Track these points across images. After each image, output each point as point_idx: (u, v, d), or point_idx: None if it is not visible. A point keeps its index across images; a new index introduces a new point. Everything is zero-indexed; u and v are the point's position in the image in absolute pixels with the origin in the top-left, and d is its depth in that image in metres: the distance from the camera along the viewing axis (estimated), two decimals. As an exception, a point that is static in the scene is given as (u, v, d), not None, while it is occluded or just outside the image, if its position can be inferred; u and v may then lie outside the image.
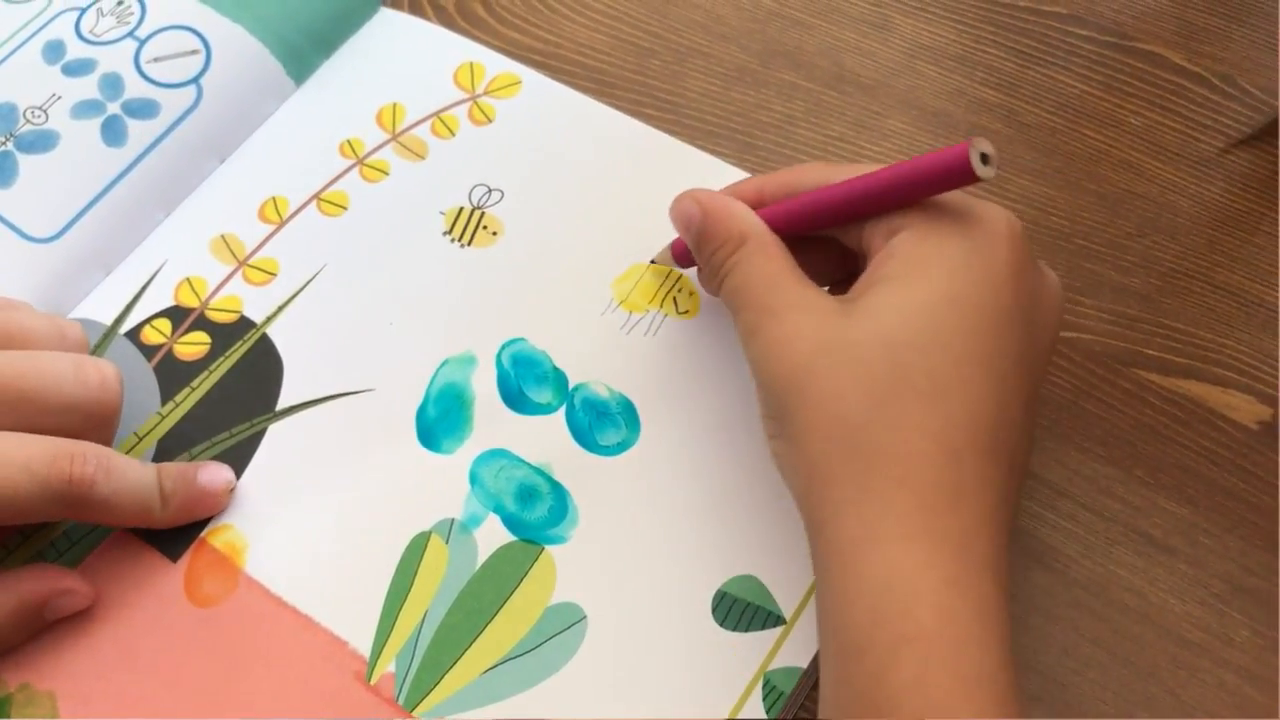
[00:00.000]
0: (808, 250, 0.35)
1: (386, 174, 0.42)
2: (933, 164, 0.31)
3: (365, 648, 0.34)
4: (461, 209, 0.42)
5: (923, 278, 0.31)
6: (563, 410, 0.38)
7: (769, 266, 0.33)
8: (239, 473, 0.37)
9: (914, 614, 0.28)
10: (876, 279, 0.32)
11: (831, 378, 0.30)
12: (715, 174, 0.42)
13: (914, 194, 0.32)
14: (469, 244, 0.41)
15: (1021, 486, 0.32)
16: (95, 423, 0.34)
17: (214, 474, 0.36)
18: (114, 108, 0.42)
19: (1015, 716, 0.28)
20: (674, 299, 0.40)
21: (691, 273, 0.40)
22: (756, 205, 0.35)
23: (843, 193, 0.33)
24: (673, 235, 0.41)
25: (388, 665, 0.33)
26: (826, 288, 0.33)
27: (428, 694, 0.33)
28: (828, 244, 0.35)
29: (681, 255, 0.39)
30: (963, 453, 0.29)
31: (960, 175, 0.31)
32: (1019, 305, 0.31)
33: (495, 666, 0.34)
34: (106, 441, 0.35)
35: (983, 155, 0.30)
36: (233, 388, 0.38)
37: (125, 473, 0.34)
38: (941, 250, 0.31)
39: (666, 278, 0.40)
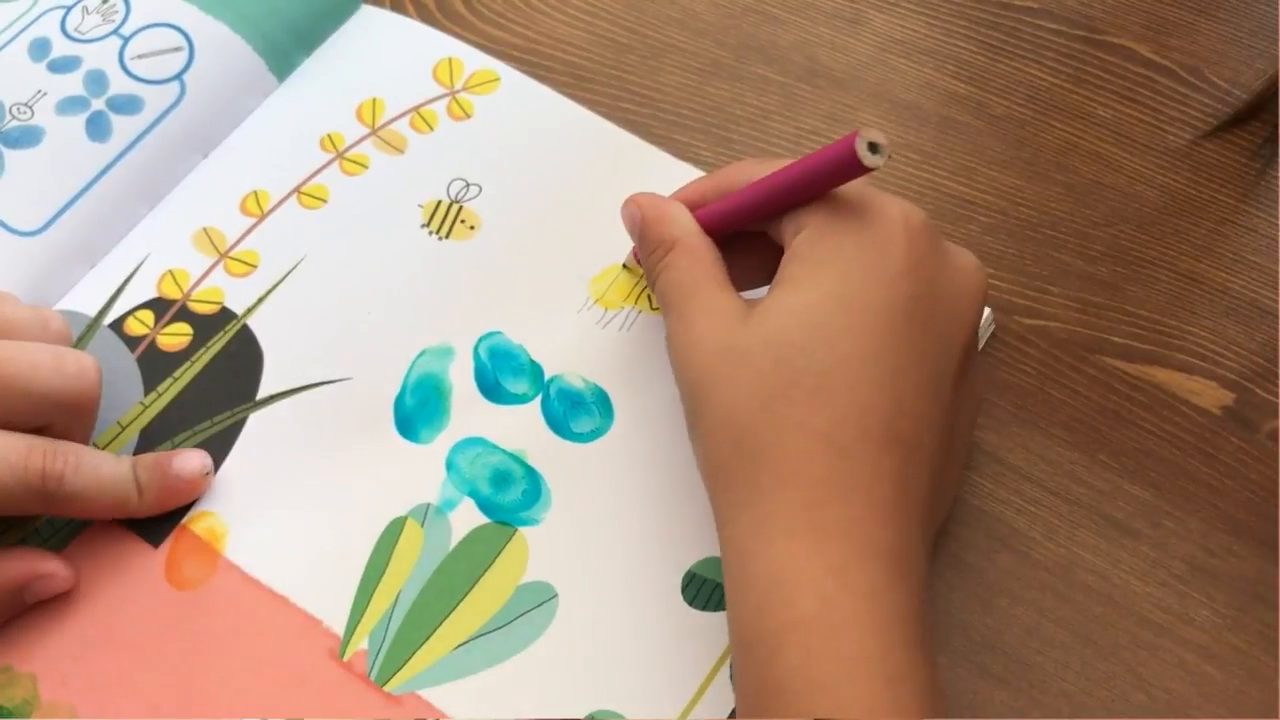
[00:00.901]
0: (756, 248, 0.36)
1: (366, 167, 0.43)
2: (822, 158, 0.32)
3: (339, 626, 0.34)
4: (440, 202, 0.42)
5: (814, 279, 0.32)
6: (538, 400, 0.39)
7: (690, 271, 0.34)
8: (220, 460, 0.37)
9: (797, 603, 0.29)
10: (778, 281, 0.33)
11: (726, 381, 0.31)
12: (687, 179, 0.42)
13: (811, 189, 0.33)
14: (446, 237, 0.42)
15: (944, 470, 0.33)
16: (73, 413, 0.35)
17: (188, 461, 0.36)
18: (98, 104, 0.43)
19: (915, 693, 0.28)
20: (648, 296, 0.40)
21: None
22: (700, 206, 0.36)
23: (749, 194, 0.34)
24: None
25: (360, 642, 0.34)
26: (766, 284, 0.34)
27: (399, 669, 0.34)
28: (769, 240, 0.36)
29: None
30: (851, 447, 0.30)
31: (849, 166, 0.31)
32: (915, 298, 0.32)
33: (466, 642, 0.34)
34: (86, 431, 0.36)
35: (871, 144, 0.31)
36: (214, 377, 0.39)
37: (97, 467, 0.34)
38: (836, 249, 0.32)
39: (641, 278, 0.41)
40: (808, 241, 0.33)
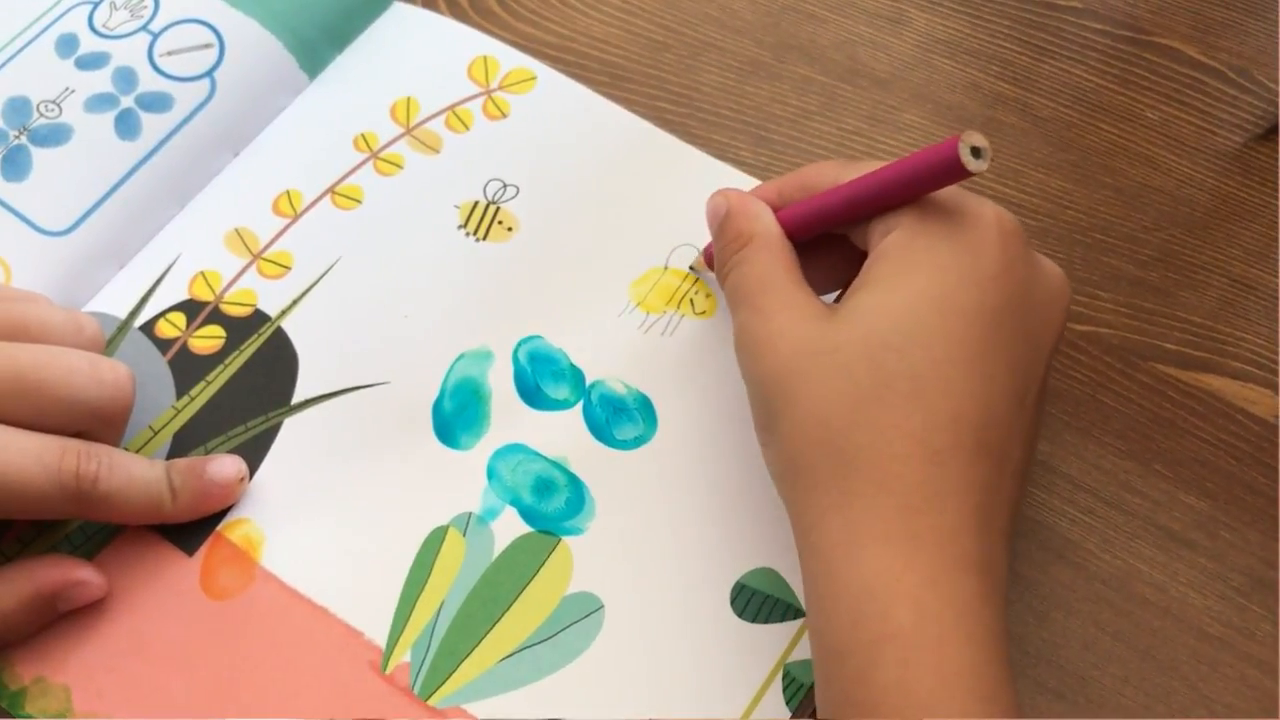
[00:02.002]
0: (827, 252, 0.35)
1: (401, 167, 0.42)
2: (923, 161, 0.31)
3: (381, 638, 0.34)
4: (476, 203, 0.42)
5: (907, 279, 0.31)
6: (580, 406, 0.38)
7: (767, 267, 0.33)
8: (255, 466, 0.37)
9: (893, 615, 0.28)
10: (865, 281, 0.32)
11: (813, 380, 0.30)
12: (726, 180, 0.42)
13: (908, 192, 0.32)
14: (484, 238, 0.41)
15: (1023, 482, 0.32)
16: (105, 421, 0.34)
17: (223, 466, 0.36)
18: (127, 101, 0.42)
19: (1005, 712, 0.28)
20: (690, 300, 0.40)
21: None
22: (776, 206, 0.35)
23: (842, 195, 0.33)
24: (689, 241, 0.41)
25: (403, 655, 0.33)
26: (840, 288, 0.33)
27: (443, 683, 0.33)
28: (845, 244, 0.35)
29: (711, 259, 0.39)
30: (945, 454, 0.29)
31: (951, 170, 0.30)
32: (1008, 304, 0.31)
33: (511, 655, 0.33)
34: (115, 441, 0.35)
35: (974, 149, 0.30)
36: (248, 381, 0.38)
37: (130, 469, 0.34)
38: (929, 251, 0.31)
39: (683, 281, 0.40)
40: (898, 243, 0.32)
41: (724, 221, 0.36)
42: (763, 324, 0.32)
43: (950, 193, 0.32)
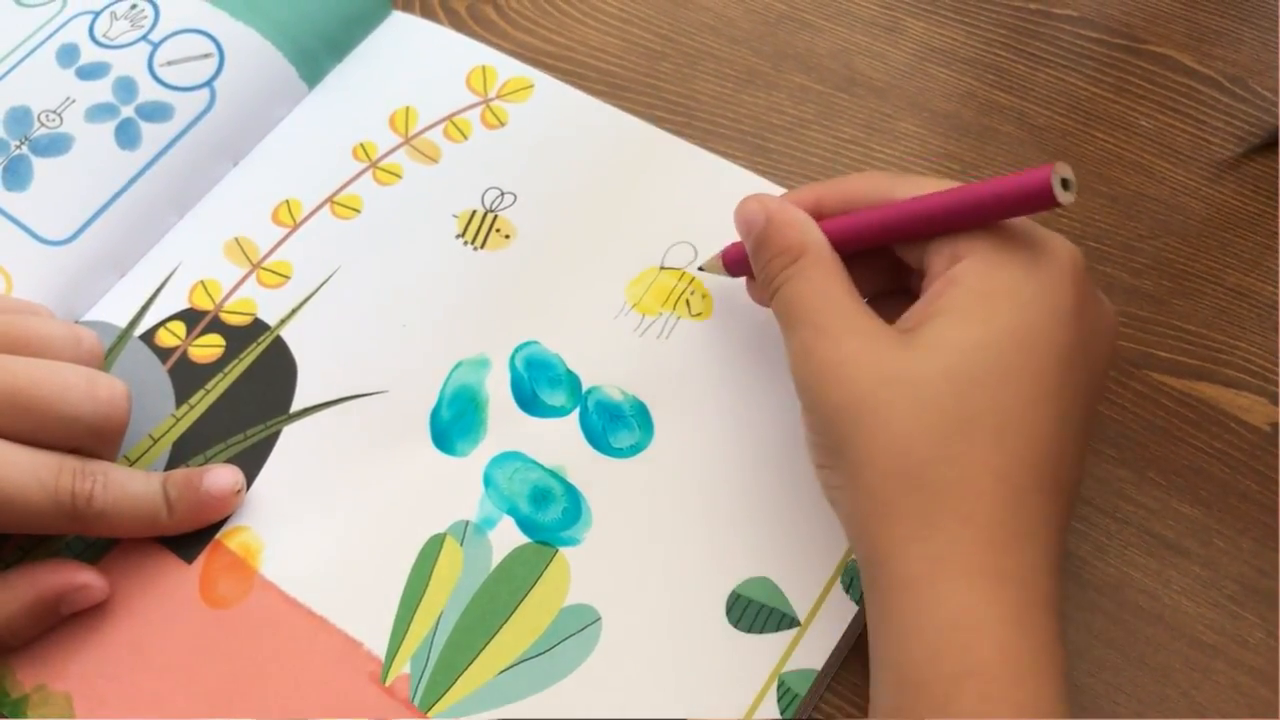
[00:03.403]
0: (857, 258, 0.34)
1: (399, 177, 0.43)
2: (1010, 187, 0.30)
3: (380, 649, 0.34)
4: (474, 212, 0.42)
5: (989, 312, 0.30)
6: (576, 413, 0.38)
7: (825, 284, 0.32)
8: (253, 475, 0.37)
9: (976, 650, 0.28)
10: (938, 309, 0.31)
11: (894, 412, 0.30)
12: (727, 178, 0.42)
13: (987, 218, 0.31)
14: (482, 247, 0.41)
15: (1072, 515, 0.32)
16: (100, 438, 0.34)
17: (219, 478, 0.36)
18: (128, 111, 0.42)
19: None
20: (687, 301, 0.40)
21: (719, 279, 0.40)
22: (814, 215, 0.34)
23: (911, 212, 0.32)
24: (686, 238, 0.41)
25: (403, 667, 0.34)
26: (867, 298, 0.33)
27: (442, 695, 0.33)
28: (881, 255, 0.34)
29: (734, 263, 0.38)
30: (1027, 491, 0.29)
31: (1040, 200, 0.30)
32: (1081, 341, 0.31)
33: (510, 668, 0.34)
34: (111, 456, 0.36)
35: (1064, 180, 0.30)
36: (247, 390, 0.38)
37: (125, 485, 0.34)
38: (1009, 284, 0.31)
39: (679, 280, 0.40)
40: (976, 271, 0.31)
41: (767, 231, 0.34)
42: (832, 348, 0.31)
43: (1022, 222, 0.32)
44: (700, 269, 0.40)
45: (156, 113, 0.42)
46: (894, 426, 0.30)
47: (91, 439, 0.34)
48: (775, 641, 0.34)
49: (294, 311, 0.40)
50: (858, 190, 0.34)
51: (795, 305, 0.33)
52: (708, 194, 0.41)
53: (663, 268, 0.40)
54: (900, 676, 0.29)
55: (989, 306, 0.31)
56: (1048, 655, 0.28)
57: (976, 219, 0.31)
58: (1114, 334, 0.33)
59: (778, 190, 0.41)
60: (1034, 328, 0.30)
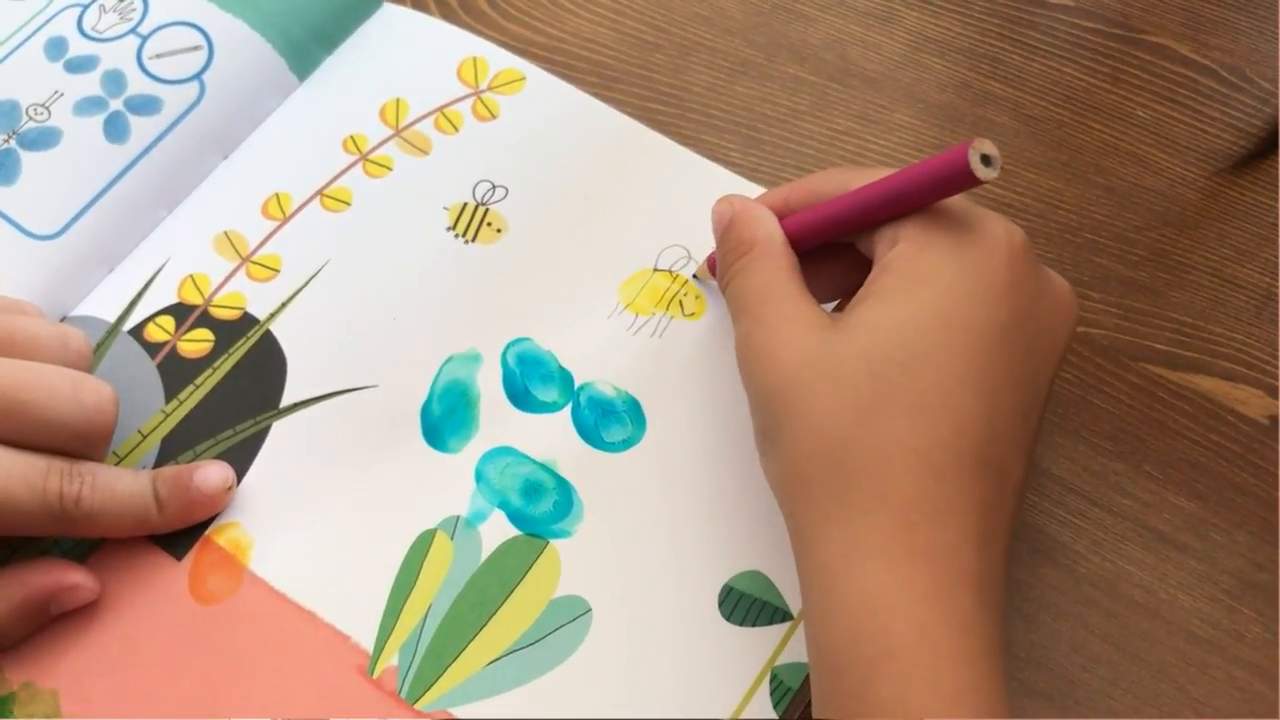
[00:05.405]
0: (833, 259, 0.35)
1: (390, 169, 0.42)
2: (931, 168, 0.31)
3: (368, 642, 0.34)
4: (465, 205, 0.42)
5: (912, 293, 0.31)
6: (568, 408, 0.38)
7: (771, 276, 0.33)
8: (243, 470, 0.37)
9: (893, 630, 0.28)
10: (869, 293, 0.32)
11: (815, 392, 0.30)
12: (715, 180, 0.42)
13: (915, 200, 0.32)
14: (473, 240, 0.41)
15: (1022, 498, 0.32)
16: (87, 443, 0.34)
17: (209, 475, 0.35)
18: (116, 104, 0.42)
19: None
20: (680, 301, 0.40)
21: (712, 281, 0.40)
22: (782, 213, 0.35)
23: (847, 203, 0.33)
24: (679, 241, 0.41)
25: (391, 659, 0.33)
26: (843, 296, 0.33)
27: (430, 686, 0.33)
28: (850, 252, 0.34)
29: (714, 267, 0.38)
30: (947, 470, 0.29)
31: (961, 178, 0.30)
32: (1015, 321, 0.31)
33: (499, 659, 0.33)
34: (99, 458, 0.35)
35: (984, 156, 0.30)
36: (236, 385, 0.38)
37: (113, 485, 0.34)
38: (935, 265, 0.31)
39: (672, 282, 0.40)
40: (904, 255, 0.31)
41: (727, 228, 0.35)
42: (765, 334, 0.32)
43: (958, 204, 0.32)
44: (694, 277, 0.40)
45: (145, 106, 0.42)
46: (815, 407, 0.30)
47: (78, 443, 0.34)
48: (768, 635, 0.34)
49: (284, 305, 0.39)
50: (819, 187, 0.35)
51: (739, 296, 0.34)
52: (701, 198, 0.41)
53: (656, 269, 0.40)
54: (823, 660, 0.29)
55: (914, 287, 0.31)
56: (972, 633, 0.28)
57: (910, 203, 0.32)
58: (1067, 312, 0.33)
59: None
60: (958, 307, 0.30)
